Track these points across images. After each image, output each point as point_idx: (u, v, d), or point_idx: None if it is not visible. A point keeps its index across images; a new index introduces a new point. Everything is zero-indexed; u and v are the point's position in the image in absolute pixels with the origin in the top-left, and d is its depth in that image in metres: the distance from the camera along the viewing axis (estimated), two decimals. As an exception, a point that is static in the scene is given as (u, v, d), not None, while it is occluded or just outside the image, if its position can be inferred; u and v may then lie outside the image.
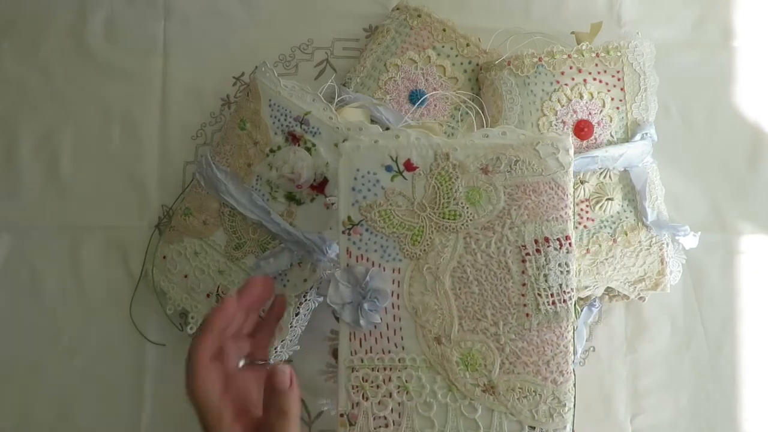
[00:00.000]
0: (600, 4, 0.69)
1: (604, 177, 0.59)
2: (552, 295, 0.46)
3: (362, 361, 0.48)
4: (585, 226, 0.60)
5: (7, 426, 0.65)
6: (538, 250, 0.46)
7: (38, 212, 0.68)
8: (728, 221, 0.67)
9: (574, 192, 0.59)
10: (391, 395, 0.47)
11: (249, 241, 0.61)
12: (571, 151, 0.46)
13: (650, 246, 0.60)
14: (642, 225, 0.60)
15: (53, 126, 0.69)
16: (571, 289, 0.46)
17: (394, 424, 0.47)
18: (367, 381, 0.47)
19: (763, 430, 0.64)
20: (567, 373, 0.46)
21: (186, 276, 0.63)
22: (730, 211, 0.67)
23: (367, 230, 0.48)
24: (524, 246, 0.46)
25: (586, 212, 0.60)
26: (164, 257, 0.64)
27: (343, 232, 0.48)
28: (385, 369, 0.47)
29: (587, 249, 0.59)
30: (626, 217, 0.60)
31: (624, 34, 0.68)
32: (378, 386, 0.47)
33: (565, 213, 0.46)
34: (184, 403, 0.64)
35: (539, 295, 0.46)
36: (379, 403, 0.47)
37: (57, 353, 0.66)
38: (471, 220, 0.47)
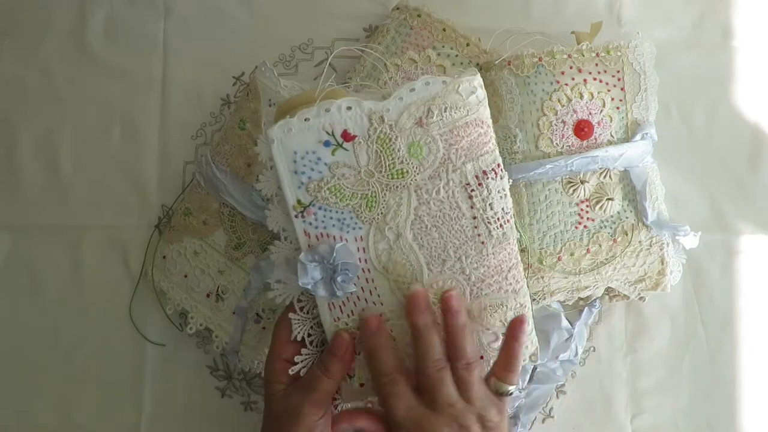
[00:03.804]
0: (600, 4, 0.69)
1: (605, 177, 0.59)
2: (498, 219, 0.50)
3: (347, 324, 0.50)
4: (585, 226, 0.59)
5: (7, 426, 0.65)
6: (480, 184, 0.49)
7: (38, 212, 0.68)
8: (728, 221, 0.67)
9: (574, 192, 0.59)
10: None
11: (249, 241, 0.62)
12: (483, 85, 0.49)
13: (650, 246, 0.60)
14: (642, 225, 0.60)
15: (53, 126, 0.69)
16: (510, 209, 0.50)
17: None
18: (355, 338, 0.50)
19: (763, 430, 0.64)
20: (521, 279, 0.51)
21: (186, 276, 0.63)
22: (730, 211, 0.67)
23: (320, 209, 0.48)
24: (468, 184, 0.49)
25: (587, 212, 0.60)
26: (164, 257, 0.64)
27: (296, 216, 0.48)
28: None
29: (587, 249, 0.59)
30: (626, 217, 0.60)
31: (624, 34, 0.68)
32: None
33: (492, 144, 0.49)
34: (184, 402, 0.65)
35: (489, 222, 0.49)
36: None
37: (57, 353, 0.66)
38: (418, 173, 0.48)
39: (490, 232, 0.49)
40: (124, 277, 0.67)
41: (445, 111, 0.47)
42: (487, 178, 0.49)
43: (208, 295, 0.63)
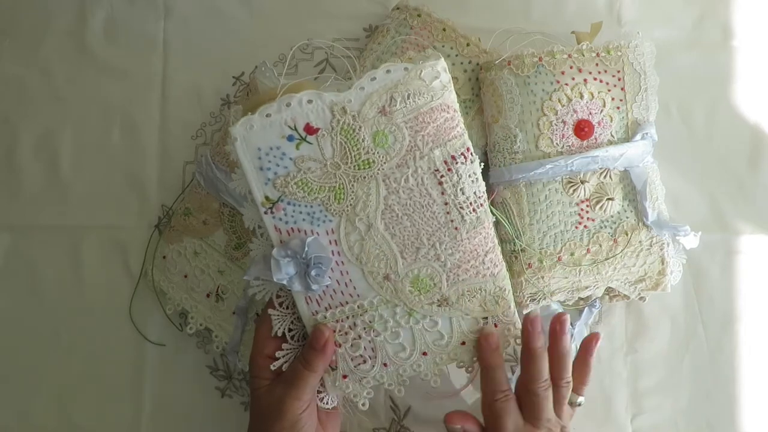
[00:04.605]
0: (600, 4, 0.69)
1: (605, 177, 0.59)
2: (471, 204, 0.49)
3: (325, 317, 0.51)
4: (585, 226, 0.59)
5: (7, 426, 0.65)
6: (449, 170, 0.49)
7: (38, 212, 0.68)
8: (728, 221, 0.67)
9: (574, 192, 0.59)
10: (360, 337, 0.51)
11: (249, 241, 0.61)
12: (447, 69, 0.48)
13: (650, 246, 0.60)
14: (642, 225, 0.60)
15: (53, 126, 0.69)
16: (483, 192, 0.50)
17: (370, 359, 0.51)
18: (335, 332, 0.51)
19: (763, 430, 0.64)
20: (500, 263, 0.51)
21: (186, 276, 0.63)
22: (729, 211, 0.67)
23: (289, 204, 0.48)
24: (437, 170, 0.49)
25: (587, 212, 0.60)
26: (164, 257, 0.64)
27: (266, 213, 0.49)
28: (347, 318, 0.51)
29: (587, 249, 0.59)
30: (626, 217, 0.60)
31: (624, 34, 0.68)
32: (346, 333, 0.51)
33: (460, 128, 0.49)
34: (184, 403, 0.65)
35: (461, 208, 0.49)
36: (351, 346, 0.51)
37: (57, 353, 0.66)
38: (385, 162, 0.48)
39: (462, 217, 0.49)
40: (124, 277, 0.67)
41: (408, 98, 0.47)
42: (457, 163, 0.49)
43: (208, 295, 0.63)
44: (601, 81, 0.59)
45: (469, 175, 0.49)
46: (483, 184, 0.50)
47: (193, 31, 0.70)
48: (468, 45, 0.64)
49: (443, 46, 0.64)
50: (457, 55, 0.64)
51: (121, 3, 0.70)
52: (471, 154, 0.49)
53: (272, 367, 0.50)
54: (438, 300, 0.51)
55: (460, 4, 0.69)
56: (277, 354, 0.51)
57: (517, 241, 0.58)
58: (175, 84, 0.69)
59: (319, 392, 0.52)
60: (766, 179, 0.67)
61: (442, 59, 0.48)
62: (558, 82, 0.59)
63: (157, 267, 0.64)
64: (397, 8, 0.66)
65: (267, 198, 0.48)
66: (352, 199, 0.49)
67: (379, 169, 0.48)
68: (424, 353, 0.51)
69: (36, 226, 0.68)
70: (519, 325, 0.53)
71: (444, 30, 0.64)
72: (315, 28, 0.69)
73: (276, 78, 0.60)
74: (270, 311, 0.51)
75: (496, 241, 0.51)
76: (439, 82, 0.48)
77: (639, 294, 0.61)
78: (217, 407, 0.65)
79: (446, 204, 0.49)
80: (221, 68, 0.69)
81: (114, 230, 0.67)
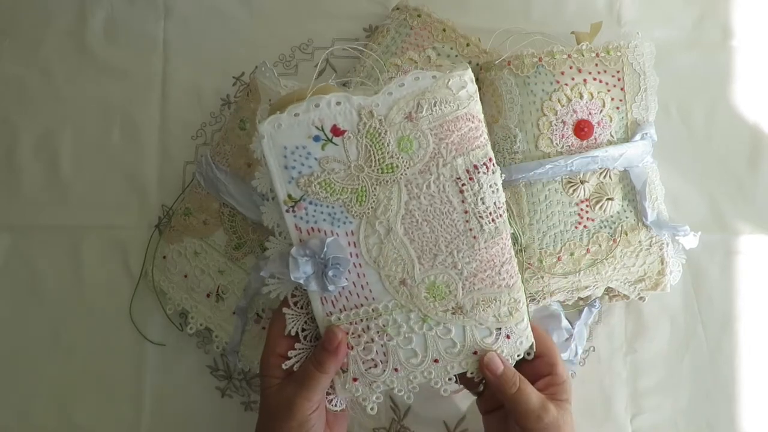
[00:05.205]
0: (600, 4, 0.69)
1: (604, 177, 0.59)
2: (491, 213, 0.50)
3: (339, 319, 0.51)
4: (585, 226, 0.60)
5: (7, 426, 0.65)
6: (471, 179, 0.49)
7: (38, 212, 0.68)
8: (728, 221, 0.67)
9: (574, 192, 0.59)
10: (373, 340, 0.51)
11: (249, 241, 0.62)
12: (473, 79, 0.49)
13: (650, 246, 0.60)
14: (642, 225, 0.60)
15: (53, 126, 0.69)
16: (503, 203, 0.50)
17: (381, 363, 0.51)
18: (348, 334, 0.51)
19: (763, 430, 0.64)
20: (515, 275, 0.51)
21: (186, 276, 0.63)
22: (729, 212, 0.67)
23: (310, 203, 0.49)
24: (459, 178, 0.49)
25: (586, 212, 0.60)
26: (164, 257, 0.64)
27: (287, 211, 0.49)
28: (361, 321, 0.51)
29: (587, 249, 0.59)
30: (626, 217, 0.60)
31: (624, 34, 0.68)
32: (359, 336, 0.51)
33: (484, 138, 0.49)
34: (184, 403, 0.65)
35: (480, 217, 0.49)
36: (363, 349, 0.51)
37: (57, 353, 0.66)
38: (408, 167, 0.49)
39: (482, 226, 0.49)
40: (124, 277, 0.67)
41: (434, 105, 0.48)
42: (479, 173, 0.49)
43: (208, 295, 0.63)
44: (600, 81, 0.59)
45: (490, 185, 0.49)
46: (503, 194, 0.50)
47: (193, 31, 0.70)
48: (468, 45, 0.64)
49: (443, 47, 0.64)
50: (457, 56, 0.64)
51: (121, 3, 0.71)
52: (493, 164, 0.49)
53: (284, 366, 0.50)
54: (453, 308, 0.50)
55: (460, 4, 0.69)
56: (290, 353, 0.51)
57: (516, 241, 0.58)
58: (175, 84, 0.69)
59: (328, 394, 0.52)
60: (765, 179, 0.67)
61: (469, 69, 0.48)
62: (558, 82, 0.59)
63: (157, 267, 0.64)
64: (397, 8, 0.66)
65: (290, 196, 0.48)
66: (373, 202, 0.49)
67: (402, 174, 0.48)
68: (436, 360, 0.51)
69: (36, 226, 0.68)
70: (531, 338, 0.53)
71: (444, 30, 0.64)
72: (315, 28, 0.69)
73: (276, 78, 0.60)
74: (284, 310, 0.51)
75: (513, 253, 0.51)
76: (465, 91, 0.48)
77: (638, 294, 0.61)
78: (217, 407, 0.65)
79: (466, 212, 0.49)
80: (221, 68, 0.69)
81: (114, 230, 0.67)
